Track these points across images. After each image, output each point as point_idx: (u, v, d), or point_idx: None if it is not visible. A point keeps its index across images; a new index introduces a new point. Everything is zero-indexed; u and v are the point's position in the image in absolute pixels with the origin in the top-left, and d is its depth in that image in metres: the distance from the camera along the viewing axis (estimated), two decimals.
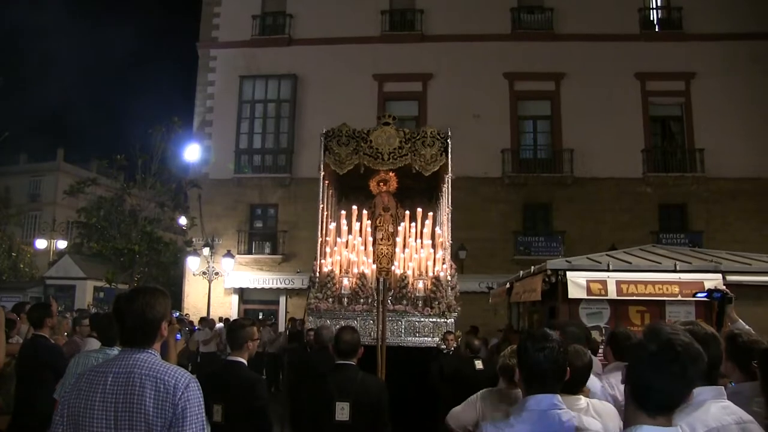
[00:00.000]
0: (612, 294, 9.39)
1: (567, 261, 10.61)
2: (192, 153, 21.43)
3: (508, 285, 13.24)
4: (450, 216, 8.17)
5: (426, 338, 7.51)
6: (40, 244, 29.30)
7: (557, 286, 9.79)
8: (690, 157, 21.20)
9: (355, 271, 7.80)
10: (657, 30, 22.30)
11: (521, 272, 12.28)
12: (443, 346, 7.54)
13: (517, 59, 21.66)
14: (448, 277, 7.83)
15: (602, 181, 20.91)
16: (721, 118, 20.81)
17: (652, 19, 22.58)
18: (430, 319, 7.55)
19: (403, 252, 8.10)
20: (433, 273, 7.77)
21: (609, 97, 21.05)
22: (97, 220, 19.00)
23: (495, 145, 21.18)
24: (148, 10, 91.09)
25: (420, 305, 7.59)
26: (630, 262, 10.25)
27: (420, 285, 7.65)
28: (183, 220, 21.79)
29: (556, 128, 21.75)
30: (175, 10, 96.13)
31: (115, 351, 3.85)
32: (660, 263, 10.02)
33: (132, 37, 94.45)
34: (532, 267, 11.33)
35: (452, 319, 7.62)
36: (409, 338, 7.49)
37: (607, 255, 11.13)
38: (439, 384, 6.98)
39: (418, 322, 7.53)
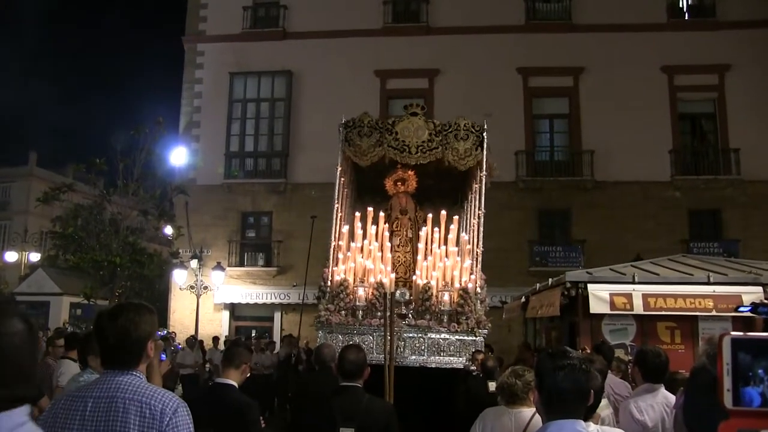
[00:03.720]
0: (638, 309, 9.37)
1: (588, 272, 10.61)
2: (178, 157, 21.41)
3: (523, 299, 13.24)
4: (482, 220, 8.07)
5: (451, 358, 7.33)
6: (10, 256, 29.21)
7: (577, 300, 9.79)
8: (724, 158, 21.16)
9: (372, 280, 7.66)
10: (686, 18, 22.31)
11: (538, 285, 12.28)
12: (473, 368, 7.31)
13: (531, 53, 21.69)
14: (478, 289, 7.70)
15: (626, 185, 20.88)
16: (759, 114, 20.75)
17: (681, 6, 22.55)
18: (457, 337, 7.37)
19: (426, 260, 7.97)
20: (461, 284, 7.63)
21: (633, 93, 21.03)
22: (73, 230, 18.94)
23: (508, 147, 21.13)
24: (129, 1, 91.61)
25: (445, 320, 7.43)
26: (658, 274, 10.25)
27: (445, 297, 7.49)
28: (169, 230, 21.75)
29: (575, 128, 21.74)
30: (158, 0, 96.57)
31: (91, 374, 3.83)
32: (692, 275, 10.00)
33: (112, 31, 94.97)
34: (550, 279, 11.34)
35: (481, 337, 7.47)
36: (433, 358, 7.31)
37: (632, 266, 11.14)
38: (465, 410, 6.85)
39: (442, 339, 7.35)
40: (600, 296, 9.48)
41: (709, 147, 21.73)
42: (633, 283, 9.68)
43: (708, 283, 9.44)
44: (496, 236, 19.85)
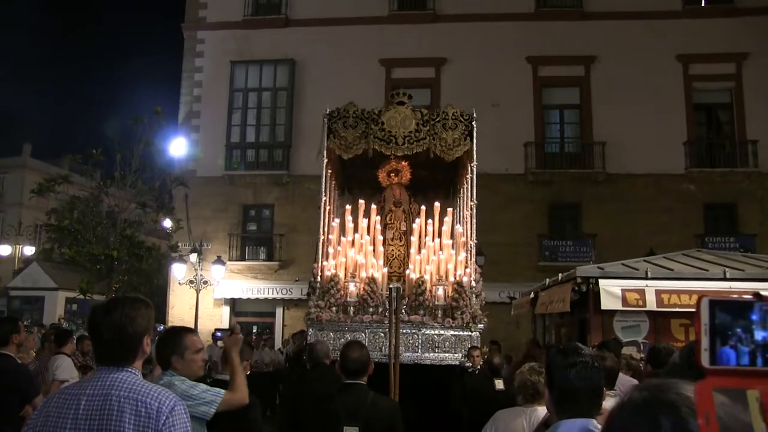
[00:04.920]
0: (651, 305, 9.34)
1: (599, 268, 10.59)
2: (177, 147, 21.46)
3: (532, 295, 13.22)
4: (474, 211, 8.04)
5: (446, 354, 7.33)
6: (4, 250, 29.24)
7: (588, 295, 9.76)
8: (740, 150, 21.05)
9: (363, 275, 7.65)
10: (703, 5, 22.12)
11: (547, 280, 12.26)
12: (468, 364, 7.36)
13: (541, 41, 21.59)
14: (473, 283, 7.68)
15: (638, 178, 20.81)
16: None
17: None
18: (452, 332, 7.38)
19: (419, 253, 7.96)
20: (455, 278, 7.61)
21: (646, 83, 20.93)
22: (69, 223, 19.00)
23: (517, 138, 21.11)
24: None
25: (439, 315, 7.42)
26: (671, 269, 10.21)
27: (440, 292, 7.48)
28: (167, 223, 21.82)
29: (586, 118, 21.66)
30: None
31: (168, 377, 3.49)
32: (707, 270, 9.97)
33: (109, 19, 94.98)
34: (560, 274, 11.31)
35: (477, 332, 7.46)
36: (427, 354, 7.31)
37: (644, 261, 11.11)
38: (463, 408, 6.86)
39: (437, 335, 7.36)
40: (612, 292, 9.45)
41: (726, 138, 21.64)
42: (646, 278, 9.65)
43: (724, 279, 9.40)
44: (505, 230, 19.97)
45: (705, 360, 1.09)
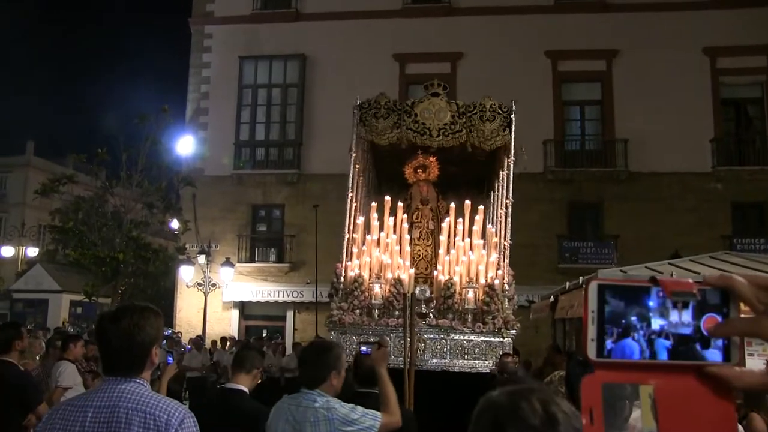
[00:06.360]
0: None
1: (622, 270, 10.56)
2: (185, 146, 21.55)
3: (552, 298, 13.18)
4: (510, 210, 7.97)
5: (477, 361, 7.22)
6: (7, 251, 29.43)
7: None
8: None
9: (389, 276, 7.55)
10: None
11: (567, 283, 12.22)
12: None
13: (561, 35, 21.51)
14: (505, 286, 7.60)
15: (663, 177, 20.68)
16: None
17: None
18: (482, 338, 7.27)
19: (448, 254, 7.88)
20: (486, 280, 7.54)
21: (671, 78, 20.79)
22: (74, 224, 19.09)
23: (536, 136, 20.92)
24: None
25: (469, 320, 7.33)
26: (698, 272, 10.11)
27: (470, 295, 7.38)
28: (175, 224, 21.91)
29: (608, 115, 21.56)
30: None
31: (324, 398, 3.36)
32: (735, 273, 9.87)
33: (114, 13, 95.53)
34: (581, 277, 11.27)
35: (509, 339, 7.35)
36: (456, 361, 7.22)
37: (669, 264, 11.03)
38: None
39: (466, 341, 7.25)
40: None
41: (755, 135, 21.45)
42: None
43: None
44: (523, 231, 19.67)
45: (591, 352, 1.02)
